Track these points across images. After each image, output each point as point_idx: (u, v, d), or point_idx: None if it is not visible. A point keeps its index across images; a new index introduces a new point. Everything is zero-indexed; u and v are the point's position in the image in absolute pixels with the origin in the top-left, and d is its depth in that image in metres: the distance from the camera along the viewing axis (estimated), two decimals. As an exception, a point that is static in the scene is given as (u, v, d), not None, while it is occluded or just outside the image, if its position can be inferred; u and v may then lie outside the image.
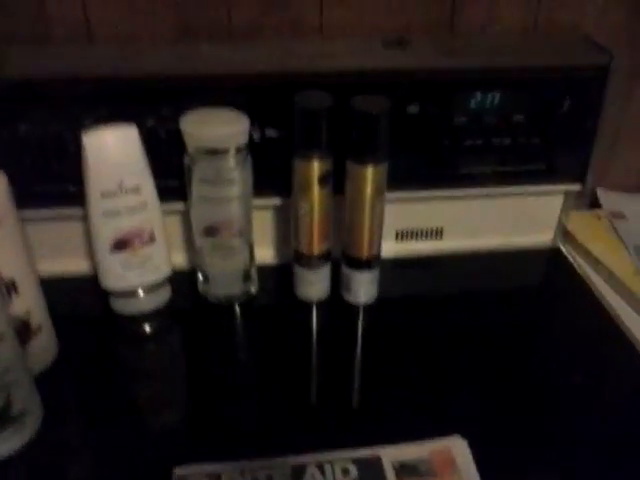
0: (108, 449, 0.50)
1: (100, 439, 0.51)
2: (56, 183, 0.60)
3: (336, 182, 0.59)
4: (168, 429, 0.52)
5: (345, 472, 0.46)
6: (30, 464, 0.48)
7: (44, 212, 0.62)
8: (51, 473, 0.48)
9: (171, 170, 0.60)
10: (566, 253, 0.73)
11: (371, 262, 0.62)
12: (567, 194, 0.71)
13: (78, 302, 0.64)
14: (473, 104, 0.63)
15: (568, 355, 0.60)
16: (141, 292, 0.61)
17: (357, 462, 0.46)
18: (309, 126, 0.56)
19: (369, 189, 0.57)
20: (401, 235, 0.72)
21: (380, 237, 0.61)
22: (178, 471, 0.46)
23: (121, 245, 0.58)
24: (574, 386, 0.56)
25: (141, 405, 0.55)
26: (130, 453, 0.49)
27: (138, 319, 0.62)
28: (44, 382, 0.52)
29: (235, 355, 0.61)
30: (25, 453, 0.48)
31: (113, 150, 0.55)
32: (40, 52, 0.60)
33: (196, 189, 0.58)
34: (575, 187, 0.69)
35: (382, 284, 0.65)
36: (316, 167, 0.56)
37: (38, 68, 0.57)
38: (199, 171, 0.57)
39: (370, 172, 0.56)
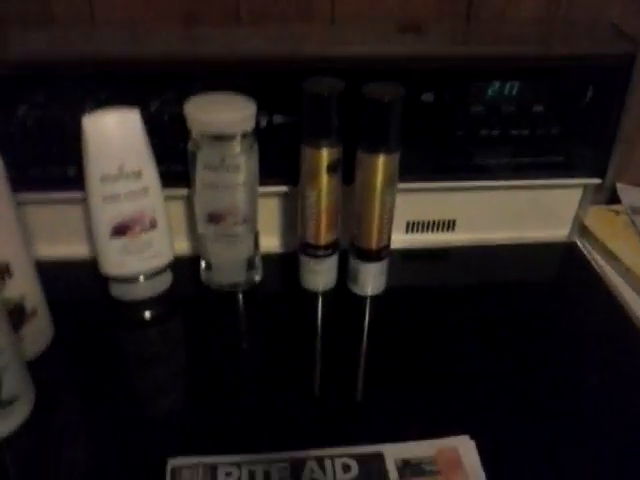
0: (101, 437, 0.49)
1: (93, 426, 0.50)
2: (55, 166, 0.58)
3: (345, 172, 0.57)
4: (165, 418, 0.51)
5: (346, 468, 0.44)
6: (20, 450, 0.47)
7: (43, 196, 0.60)
8: (42, 460, 0.47)
9: (175, 155, 0.58)
10: (582, 248, 0.71)
11: (380, 254, 0.60)
12: (586, 188, 0.69)
13: (77, 287, 0.63)
14: (491, 93, 0.60)
15: (582, 353, 0.58)
16: (141, 278, 0.60)
17: (358, 458, 0.45)
18: (318, 113, 0.53)
19: (380, 179, 0.55)
20: (412, 226, 0.70)
21: (390, 228, 0.59)
22: (172, 462, 0.44)
23: (121, 230, 0.56)
24: (588, 385, 0.54)
25: (138, 393, 0.54)
26: (125, 442, 0.48)
27: (138, 305, 0.61)
28: (38, 367, 0.51)
29: (237, 344, 0.59)
30: (15, 439, 0.47)
31: (114, 133, 0.53)
32: (42, 33, 0.58)
33: (200, 175, 0.56)
34: (594, 181, 0.66)
35: (391, 276, 0.63)
36: (325, 155, 0.54)
37: (40, 49, 0.56)
38: (203, 157, 0.55)
39: (381, 161, 0.54)
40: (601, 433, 0.50)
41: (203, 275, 0.63)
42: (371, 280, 0.62)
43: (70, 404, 0.53)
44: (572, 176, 0.66)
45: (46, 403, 0.50)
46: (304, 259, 0.61)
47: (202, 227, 0.60)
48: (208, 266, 0.62)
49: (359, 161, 0.55)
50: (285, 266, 0.66)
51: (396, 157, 0.55)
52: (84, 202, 0.57)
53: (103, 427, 0.49)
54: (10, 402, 0.47)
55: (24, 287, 0.51)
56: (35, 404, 0.49)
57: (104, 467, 0.46)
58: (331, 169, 0.55)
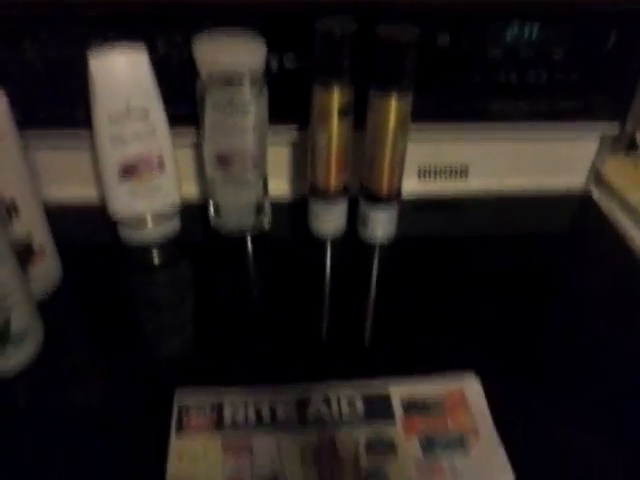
0: (109, 374, 0.49)
1: (102, 364, 0.50)
2: (62, 107, 0.58)
3: (357, 116, 0.56)
4: (172, 357, 0.51)
5: (351, 405, 0.44)
6: (30, 385, 0.48)
7: (50, 137, 0.60)
8: (52, 395, 0.47)
9: (183, 98, 0.57)
10: (598, 199, 0.70)
11: (391, 199, 0.59)
12: (604, 136, 0.67)
13: (85, 230, 0.63)
14: (509, 36, 0.58)
15: (591, 302, 0.57)
16: (149, 221, 0.60)
17: (364, 396, 0.45)
18: (331, 53, 0.52)
19: (392, 121, 0.54)
20: (424, 173, 0.69)
21: (401, 173, 0.58)
22: (180, 396, 0.45)
23: (129, 172, 0.56)
24: (595, 333, 0.53)
25: (146, 334, 0.54)
26: (132, 378, 0.48)
27: (146, 249, 0.61)
28: (47, 306, 0.52)
29: (245, 288, 0.59)
30: (26, 374, 0.47)
31: (121, 72, 0.52)
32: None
33: (209, 118, 0.55)
34: (613, 128, 0.65)
35: (401, 224, 0.62)
36: (336, 96, 0.53)
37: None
38: (212, 99, 0.54)
39: (394, 102, 0.53)
40: (606, 377, 0.49)
41: (212, 220, 0.63)
42: (381, 226, 0.61)
43: (79, 343, 0.53)
44: (590, 123, 0.65)
45: (55, 341, 0.50)
46: (313, 204, 0.60)
47: (211, 171, 0.59)
48: (217, 211, 0.62)
49: (371, 102, 0.54)
50: (294, 212, 0.65)
51: (409, 99, 0.53)
52: (92, 144, 0.56)
53: (111, 365, 0.50)
54: (20, 338, 0.47)
55: (31, 226, 0.51)
56: (44, 342, 0.50)
57: (112, 403, 0.47)
58: (342, 111, 0.54)
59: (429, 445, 0.42)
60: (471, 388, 0.46)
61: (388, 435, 0.42)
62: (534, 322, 0.55)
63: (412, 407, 0.44)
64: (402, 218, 0.62)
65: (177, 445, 0.42)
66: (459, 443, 0.42)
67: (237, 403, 0.44)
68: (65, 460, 0.42)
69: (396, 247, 0.62)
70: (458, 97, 0.62)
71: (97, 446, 0.43)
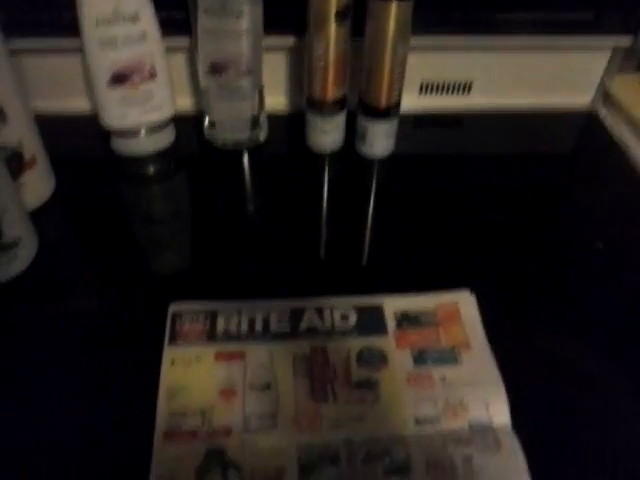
0: (104, 284, 0.49)
1: (96, 274, 0.50)
2: (49, 10, 0.55)
3: (355, 24, 0.53)
4: (167, 268, 0.51)
5: (344, 318, 0.44)
6: (24, 295, 0.47)
7: (38, 43, 0.57)
8: (45, 305, 0.47)
9: (175, 1, 0.54)
10: (604, 118, 0.68)
11: (390, 112, 0.57)
12: (614, 51, 0.65)
13: (78, 141, 0.61)
14: None
15: (593, 220, 0.57)
16: (143, 132, 0.58)
17: (357, 309, 0.45)
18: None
19: (392, 28, 0.51)
20: (425, 88, 0.66)
21: (401, 85, 0.56)
22: (173, 307, 0.45)
23: (119, 79, 0.54)
24: (594, 251, 0.53)
25: (140, 244, 0.54)
26: (127, 288, 0.48)
27: (140, 160, 0.59)
28: (41, 216, 0.51)
29: (240, 202, 0.58)
30: (19, 284, 0.47)
31: (108, -31, 0.49)
32: None
33: (201, 21, 0.53)
34: (624, 41, 0.62)
35: (401, 140, 0.61)
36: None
37: None
38: (204, 0, 0.52)
39: (394, 8, 0.50)
40: (601, 294, 0.49)
41: (206, 132, 0.61)
42: (379, 141, 0.59)
43: (73, 253, 0.53)
44: (600, 35, 0.62)
45: (49, 251, 0.50)
46: (310, 117, 0.59)
47: (205, 79, 0.57)
48: (212, 123, 0.60)
49: (370, 8, 0.52)
50: (291, 126, 0.64)
51: (409, 5, 0.51)
52: (82, 52, 0.54)
53: (106, 276, 0.50)
54: (12, 246, 0.46)
55: (21, 134, 0.50)
56: (39, 252, 0.49)
57: (107, 313, 0.47)
58: (340, 16, 0.52)
59: (420, 357, 0.42)
60: (465, 302, 0.45)
61: (380, 347, 0.42)
62: (533, 241, 0.54)
63: (405, 320, 0.44)
64: (402, 133, 0.60)
65: (170, 351, 0.42)
66: (450, 355, 0.42)
67: (231, 313, 0.44)
68: (59, 370, 0.43)
69: (395, 163, 0.61)
70: (462, 5, 0.59)
71: (92, 354, 0.43)
